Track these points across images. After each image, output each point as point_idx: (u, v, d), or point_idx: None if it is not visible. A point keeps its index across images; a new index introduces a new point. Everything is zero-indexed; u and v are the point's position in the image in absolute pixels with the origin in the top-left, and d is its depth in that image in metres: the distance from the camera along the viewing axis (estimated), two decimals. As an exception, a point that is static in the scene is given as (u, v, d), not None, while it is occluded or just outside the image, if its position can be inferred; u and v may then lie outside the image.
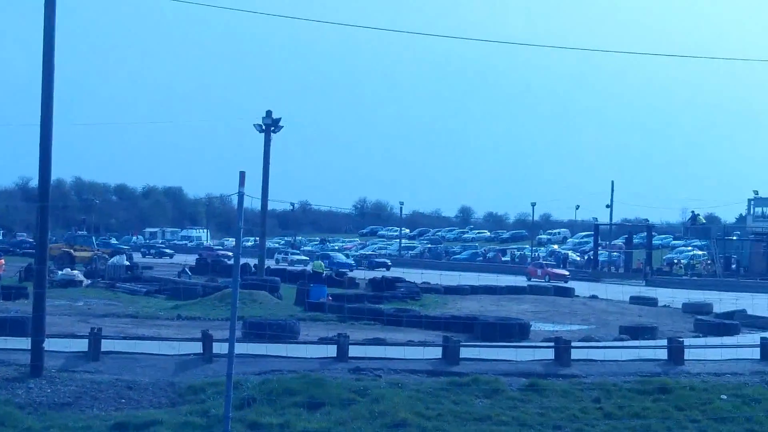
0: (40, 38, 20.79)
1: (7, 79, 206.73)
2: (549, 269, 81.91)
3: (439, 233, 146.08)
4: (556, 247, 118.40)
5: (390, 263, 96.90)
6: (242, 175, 15.59)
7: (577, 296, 55.01)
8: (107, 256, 66.84)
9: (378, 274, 65.82)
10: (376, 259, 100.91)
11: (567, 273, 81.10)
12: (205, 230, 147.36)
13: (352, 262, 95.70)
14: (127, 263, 63.04)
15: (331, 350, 23.02)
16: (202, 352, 22.49)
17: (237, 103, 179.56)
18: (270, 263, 76.85)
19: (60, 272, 53.25)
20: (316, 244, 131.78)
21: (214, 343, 22.44)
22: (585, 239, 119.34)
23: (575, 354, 23.42)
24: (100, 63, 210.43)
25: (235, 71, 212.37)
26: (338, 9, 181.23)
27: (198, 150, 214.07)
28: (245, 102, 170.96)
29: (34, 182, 30.15)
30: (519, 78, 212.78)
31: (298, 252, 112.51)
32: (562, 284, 65.15)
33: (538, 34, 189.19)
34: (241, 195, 15.44)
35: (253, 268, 62.28)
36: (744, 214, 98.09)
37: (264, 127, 56.77)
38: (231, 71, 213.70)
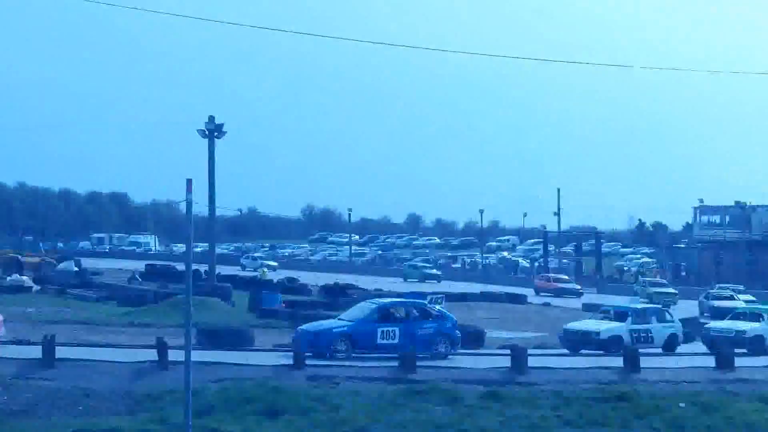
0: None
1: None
2: (556, 283, 71.93)
3: (389, 240, 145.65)
4: (506, 254, 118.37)
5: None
6: (189, 182, 15.43)
7: (531, 303, 55.04)
8: (55, 262, 66.03)
9: (330, 279, 65.44)
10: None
11: (579, 286, 72.34)
12: (153, 236, 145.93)
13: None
14: (76, 269, 62.29)
15: (286, 357, 22.88)
16: (157, 359, 22.28)
17: (181, 107, 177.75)
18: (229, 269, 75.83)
19: (8, 278, 52.52)
20: (266, 251, 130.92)
21: (169, 351, 22.26)
22: (534, 246, 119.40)
23: (531, 362, 23.46)
24: (39, 65, 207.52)
25: (178, 76, 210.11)
26: (287, 15, 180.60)
27: (143, 155, 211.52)
28: (190, 106, 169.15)
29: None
30: (465, 87, 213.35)
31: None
32: (574, 298, 63.92)
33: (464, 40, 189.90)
34: (189, 203, 15.28)
35: (204, 275, 61.64)
36: (690, 223, 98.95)
37: (207, 132, 56.22)
38: (173, 76, 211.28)
